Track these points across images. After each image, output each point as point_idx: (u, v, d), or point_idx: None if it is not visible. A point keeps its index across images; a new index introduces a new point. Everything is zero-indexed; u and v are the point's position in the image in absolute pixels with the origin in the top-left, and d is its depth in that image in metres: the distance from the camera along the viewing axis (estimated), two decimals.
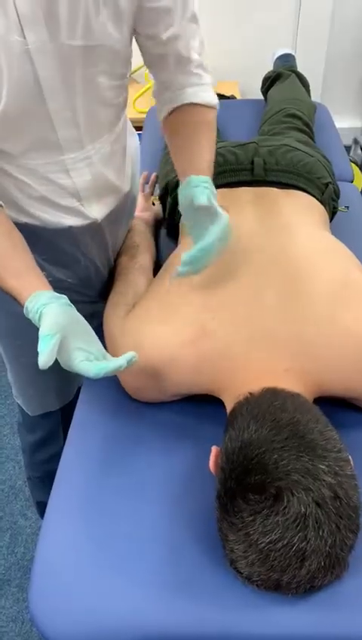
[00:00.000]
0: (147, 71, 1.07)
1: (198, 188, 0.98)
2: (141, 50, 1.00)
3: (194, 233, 1.00)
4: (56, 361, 0.87)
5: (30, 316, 0.87)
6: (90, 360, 0.87)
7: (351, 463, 0.76)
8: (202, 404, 1.02)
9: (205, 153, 1.05)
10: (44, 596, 0.81)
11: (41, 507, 1.52)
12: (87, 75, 0.87)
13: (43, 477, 1.43)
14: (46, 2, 0.78)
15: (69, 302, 0.89)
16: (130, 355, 0.87)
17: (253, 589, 0.74)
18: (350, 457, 0.76)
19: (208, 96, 1.06)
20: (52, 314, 0.84)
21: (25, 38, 0.79)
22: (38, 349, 0.81)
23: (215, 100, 1.07)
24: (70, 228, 1.05)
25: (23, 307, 0.88)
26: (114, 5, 0.83)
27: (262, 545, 0.69)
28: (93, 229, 1.08)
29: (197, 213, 0.99)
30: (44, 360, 0.80)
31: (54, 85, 0.85)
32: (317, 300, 0.96)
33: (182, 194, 1.00)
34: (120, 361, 0.86)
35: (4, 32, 0.77)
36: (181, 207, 1.01)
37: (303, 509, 0.69)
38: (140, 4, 0.88)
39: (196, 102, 1.04)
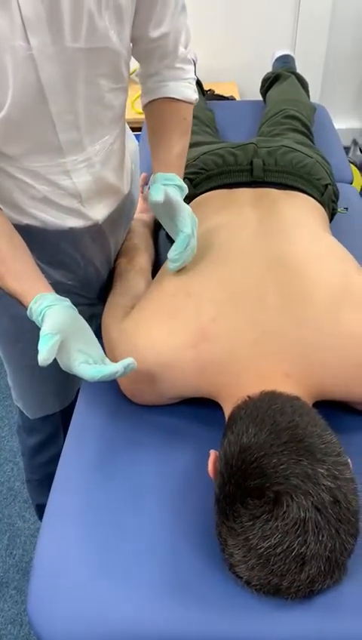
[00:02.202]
0: None
1: (154, 185, 1.03)
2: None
3: (167, 228, 1.08)
4: (57, 364, 0.87)
5: (34, 318, 0.88)
6: (88, 363, 0.88)
7: (351, 466, 0.76)
8: (200, 407, 1.02)
9: (174, 147, 1.09)
10: (42, 600, 0.81)
11: (41, 510, 1.51)
12: (89, 77, 0.88)
13: (42, 479, 1.43)
14: (50, 5, 0.78)
15: (71, 305, 0.90)
16: (127, 361, 0.88)
17: (253, 593, 0.74)
18: (349, 461, 0.76)
19: (188, 92, 1.09)
20: (55, 315, 0.86)
21: (28, 42, 0.79)
22: (38, 348, 0.82)
23: (194, 96, 1.10)
24: (71, 229, 1.05)
25: (24, 309, 0.89)
26: (115, 6, 0.83)
27: (262, 550, 0.69)
28: (95, 230, 1.08)
29: (160, 209, 1.05)
30: (44, 357, 0.81)
31: (57, 88, 0.85)
32: (318, 303, 0.95)
33: (149, 192, 1.03)
34: (117, 367, 0.87)
35: (9, 35, 0.77)
36: (150, 205, 1.05)
37: (303, 514, 0.68)
38: (137, 2, 0.89)
39: (175, 97, 1.08)
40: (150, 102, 1.10)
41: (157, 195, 1.00)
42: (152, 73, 1.07)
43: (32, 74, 0.82)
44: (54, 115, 0.88)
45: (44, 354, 0.81)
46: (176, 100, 1.08)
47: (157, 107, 1.10)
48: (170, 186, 1.03)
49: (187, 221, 1.03)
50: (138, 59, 1.04)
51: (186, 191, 1.07)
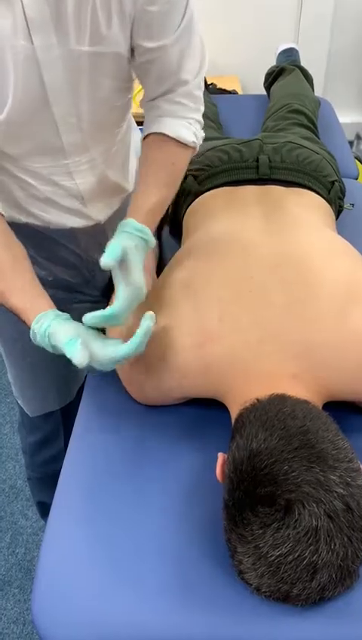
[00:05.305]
0: None
1: (115, 241, 0.88)
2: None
3: (115, 283, 0.90)
4: (56, 363, 0.86)
5: (38, 339, 0.87)
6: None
7: None
8: (206, 408, 1.01)
9: (151, 196, 0.95)
10: (46, 601, 0.80)
11: (42, 507, 1.51)
12: (93, 79, 0.86)
13: (43, 477, 1.43)
14: (55, 7, 0.76)
15: (70, 319, 0.89)
16: (146, 323, 0.86)
17: (262, 599, 0.73)
18: (361, 466, 0.75)
19: (183, 132, 0.96)
20: (62, 327, 0.85)
21: (32, 42, 0.78)
22: (68, 355, 0.82)
23: (190, 139, 0.97)
24: (72, 228, 1.04)
25: (26, 325, 0.89)
26: (120, 10, 0.81)
27: (272, 558, 0.68)
28: (96, 230, 1.07)
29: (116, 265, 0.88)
30: (79, 359, 0.81)
31: (61, 91, 0.84)
32: (324, 301, 0.94)
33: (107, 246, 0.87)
34: (143, 329, 0.85)
35: (11, 34, 0.76)
36: (101, 262, 0.86)
37: (315, 522, 0.67)
38: (137, 8, 0.82)
39: (167, 134, 0.95)
40: (145, 137, 0.99)
41: (112, 255, 0.85)
42: (152, 98, 0.96)
43: (34, 74, 0.81)
44: (57, 117, 0.87)
45: (79, 357, 0.81)
46: (168, 138, 0.95)
47: (148, 144, 0.98)
48: (135, 239, 0.90)
49: (124, 297, 0.88)
50: (137, 75, 0.95)
51: (153, 246, 0.95)
